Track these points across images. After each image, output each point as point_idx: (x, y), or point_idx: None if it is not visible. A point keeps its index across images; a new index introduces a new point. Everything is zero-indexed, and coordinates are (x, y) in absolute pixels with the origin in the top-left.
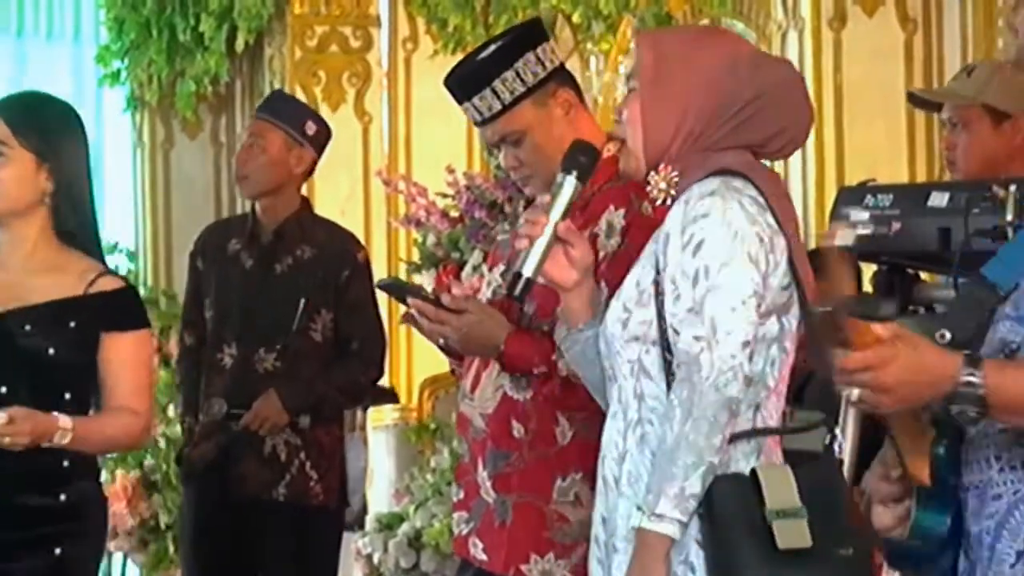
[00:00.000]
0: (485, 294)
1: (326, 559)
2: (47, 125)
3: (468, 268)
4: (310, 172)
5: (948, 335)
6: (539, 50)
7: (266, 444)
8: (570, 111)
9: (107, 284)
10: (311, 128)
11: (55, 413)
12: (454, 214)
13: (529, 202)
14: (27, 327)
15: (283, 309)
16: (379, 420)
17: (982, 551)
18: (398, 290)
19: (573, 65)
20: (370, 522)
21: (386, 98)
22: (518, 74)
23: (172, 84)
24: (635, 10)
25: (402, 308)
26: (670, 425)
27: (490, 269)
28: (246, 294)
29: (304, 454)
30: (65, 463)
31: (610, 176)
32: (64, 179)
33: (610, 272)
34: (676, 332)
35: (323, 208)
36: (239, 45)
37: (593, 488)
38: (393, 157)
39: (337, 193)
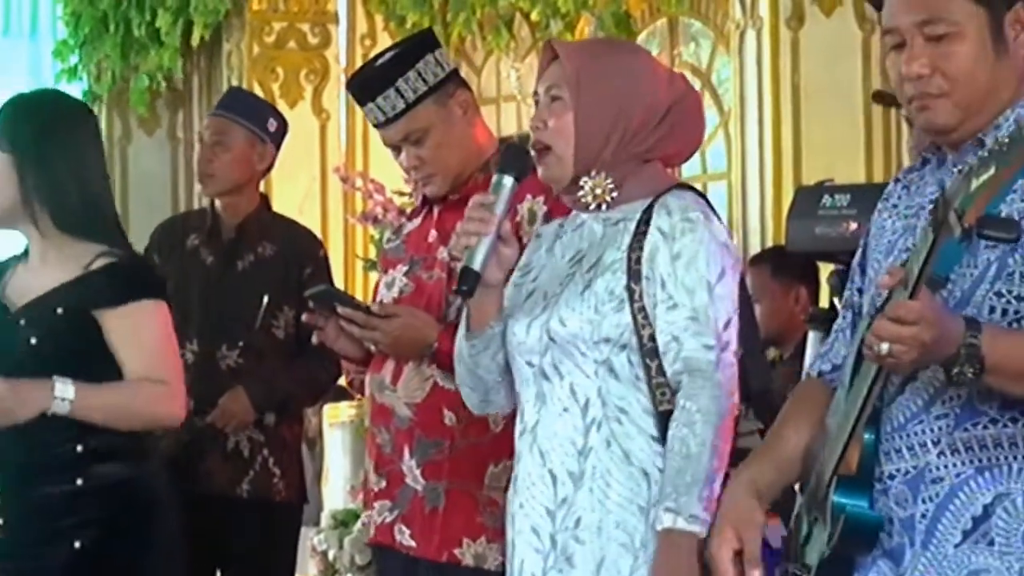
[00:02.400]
0: (387, 296)
1: (287, 555)
2: (18, 125)
3: None
4: (269, 169)
5: None
6: (436, 53)
7: (229, 440)
8: (468, 112)
9: (100, 263)
10: (272, 125)
11: (55, 377)
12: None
13: (401, 212)
14: (22, 321)
15: (245, 306)
16: (335, 417)
17: (915, 535)
18: (328, 299)
19: (531, 63)
20: (325, 519)
21: (343, 95)
22: (420, 74)
23: (128, 79)
24: (593, 9)
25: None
26: (691, 431)
27: (384, 272)
28: (207, 291)
29: (267, 450)
30: (79, 448)
31: None
32: (46, 176)
33: None
34: (676, 340)
35: (281, 205)
36: (195, 40)
37: None
38: (351, 154)
39: (295, 190)
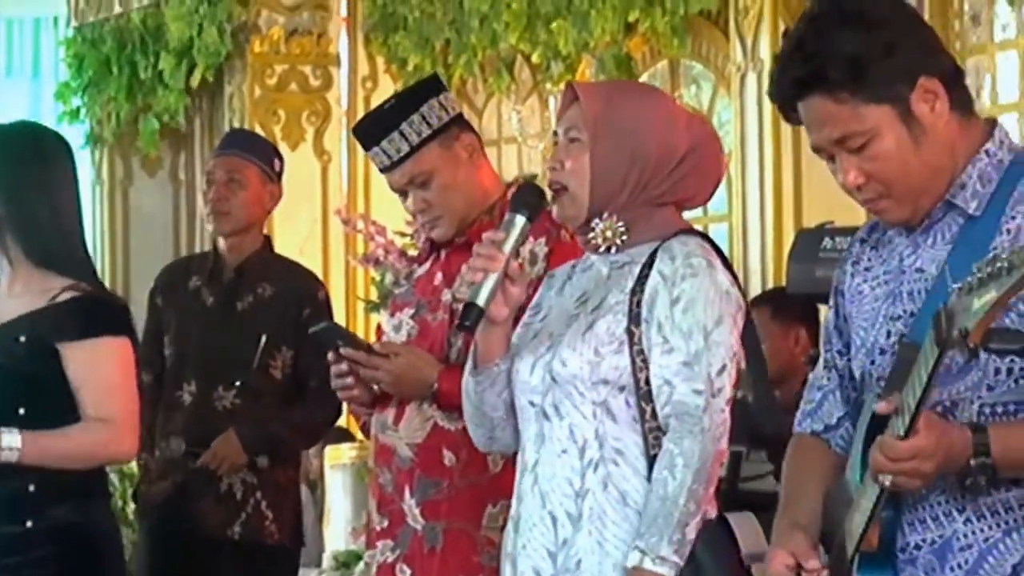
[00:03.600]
0: (395, 339)
1: None
2: None
3: None
4: (271, 210)
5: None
6: (441, 97)
7: (222, 482)
8: (473, 155)
9: (66, 296)
10: (277, 165)
11: (0, 429)
12: (413, 253)
13: (407, 256)
14: None
15: (243, 346)
16: (336, 459)
17: None
18: (331, 336)
19: (533, 105)
20: (327, 560)
21: (345, 137)
22: (424, 117)
23: (132, 121)
24: (594, 51)
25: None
26: (670, 473)
27: (392, 315)
28: (206, 331)
29: (260, 493)
30: (31, 487)
31: None
32: (19, 207)
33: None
34: (669, 384)
35: (282, 246)
36: (195, 81)
37: None
38: (352, 196)
39: (296, 231)
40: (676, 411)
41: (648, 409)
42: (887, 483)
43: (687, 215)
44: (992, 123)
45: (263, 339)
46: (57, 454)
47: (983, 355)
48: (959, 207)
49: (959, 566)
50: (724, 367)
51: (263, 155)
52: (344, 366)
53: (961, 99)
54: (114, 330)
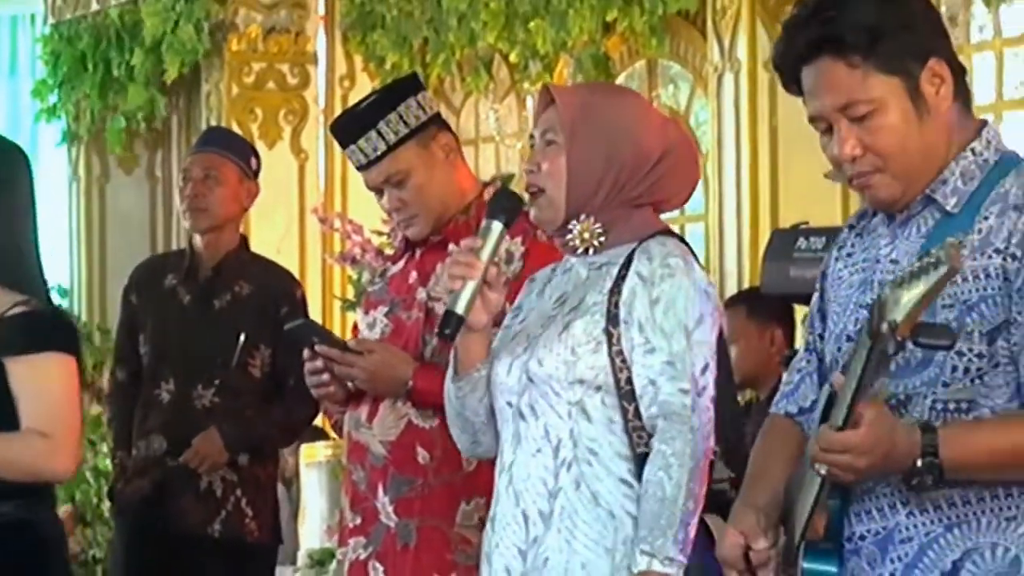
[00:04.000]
0: (370, 336)
1: None
2: None
3: None
4: (248, 208)
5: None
6: (419, 97)
7: (202, 480)
8: (450, 155)
9: (15, 312)
10: (254, 163)
11: None
12: (389, 251)
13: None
14: None
15: (222, 345)
16: (311, 457)
17: None
18: (306, 333)
19: (510, 104)
20: (302, 558)
21: (322, 135)
22: (401, 117)
23: (106, 119)
24: (572, 50)
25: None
26: (666, 474)
27: (366, 313)
28: (184, 330)
29: (240, 490)
30: None
31: None
32: None
33: (513, 296)
34: (653, 384)
35: (259, 245)
36: (169, 77)
37: None
38: (329, 194)
39: (273, 230)
40: (663, 411)
41: (630, 409)
42: (822, 472)
43: (665, 217)
44: (984, 122)
45: (242, 338)
46: None
47: (941, 353)
48: (938, 202)
49: (899, 558)
50: (707, 365)
51: (240, 152)
52: (319, 363)
53: (963, 91)
54: (59, 347)
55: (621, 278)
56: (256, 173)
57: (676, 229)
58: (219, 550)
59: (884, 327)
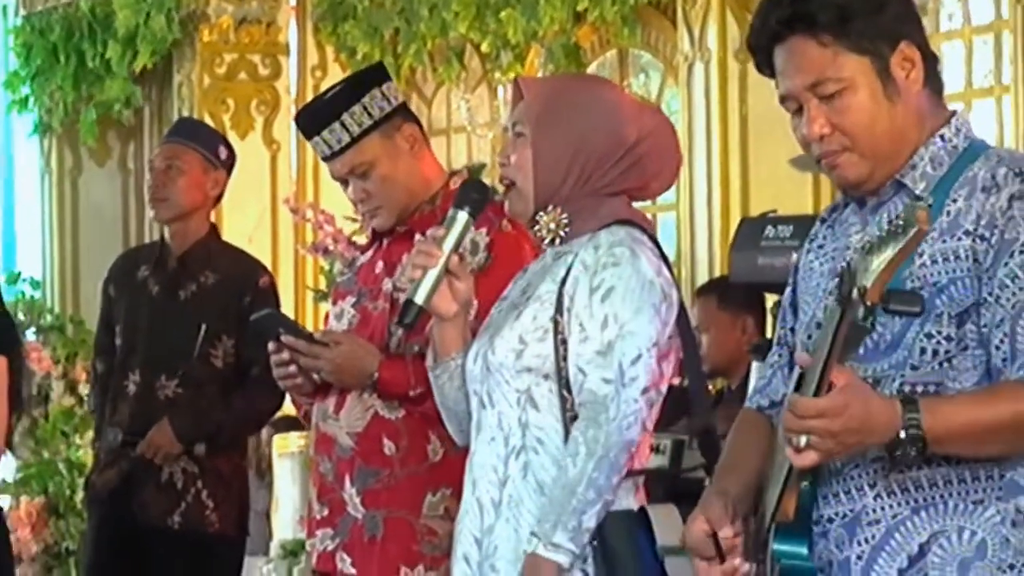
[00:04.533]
0: (337, 327)
1: None
2: None
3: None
4: (219, 198)
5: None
6: (384, 87)
7: (163, 472)
8: (415, 145)
9: None
10: (223, 152)
11: None
12: (362, 240)
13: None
14: None
15: (185, 335)
16: (284, 448)
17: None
18: (272, 324)
19: (482, 94)
20: (274, 549)
21: (294, 126)
22: (365, 108)
23: (79, 110)
24: (543, 40)
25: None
26: (572, 460)
27: (334, 303)
28: (152, 321)
29: (201, 482)
30: None
31: None
32: None
33: (480, 286)
34: (582, 372)
35: (231, 236)
36: (138, 66)
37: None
38: (301, 185)
39: (245, 221)
40: (585, 399)
41: (569, 398)
42: (801, 443)
43: (636, 207)
44: (953, 112)
45: (203, 328)
46: None
47: (909, 333)
48: (907, 187)
49: (866, 540)
50: (639, 356)
51: (205, 142)
52: (285, 355)
53: (934, 78)
54: None
55: (571, 267)
56: (227, 162)
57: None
58: (180, 542)
59: (854, 293)
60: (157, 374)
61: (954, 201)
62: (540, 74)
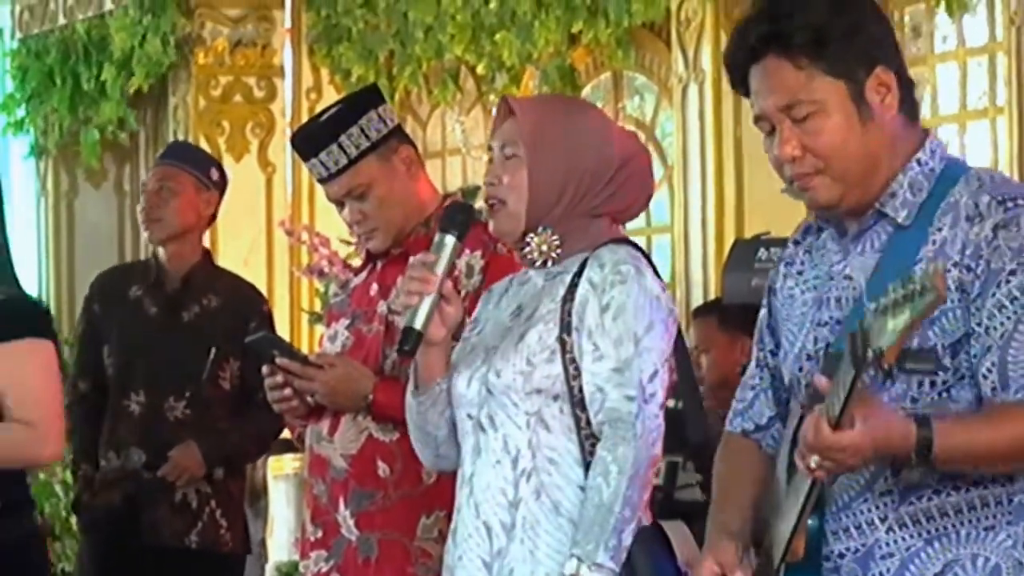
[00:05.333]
0: (331, 349)
1: None
2: None
3: None
4: (212, 219)
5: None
6: (380, 110)
7: (177, 492)
8: (411, 167)
9: None
10: (215, 174)
11: None
12: (356, 263)
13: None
14: None
15: (191, 357)
16: (279, 469)
17: None
18: (267, 347)
19: (477, 116)
20: (270, 571)
21: (290, 148)
22: (362, 130)
23: (76, 132)
24: (538, 62)
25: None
26: (604, 480)
27: (328, 325)
28: (152, 341)
29: (214, 502)
30: None
31: None
32: None
33: (473, 309)
34: (601, 391)
35: (226, 257)
36: (132, 89)
37: None
38: (296, 207)
39: (240, 243)
40: (609, 418)
41: (583, 417)
42: (812, 465)
43: (630, 225)
44: (926, 133)
45: (213, 351)
46: None
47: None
48: (889, 216)
49: (880, 574)
50: (656, 372)
51: (198, 164)
52: (279, 378)
53: (909, 103)
54: (35, 332)
55: (574, 286)
56: (219, 184)
57: (643, 240)
58: (194, 561)
59: (869, 355)
60: (164, 395)
61: (939, 230)
62: (537, 95)
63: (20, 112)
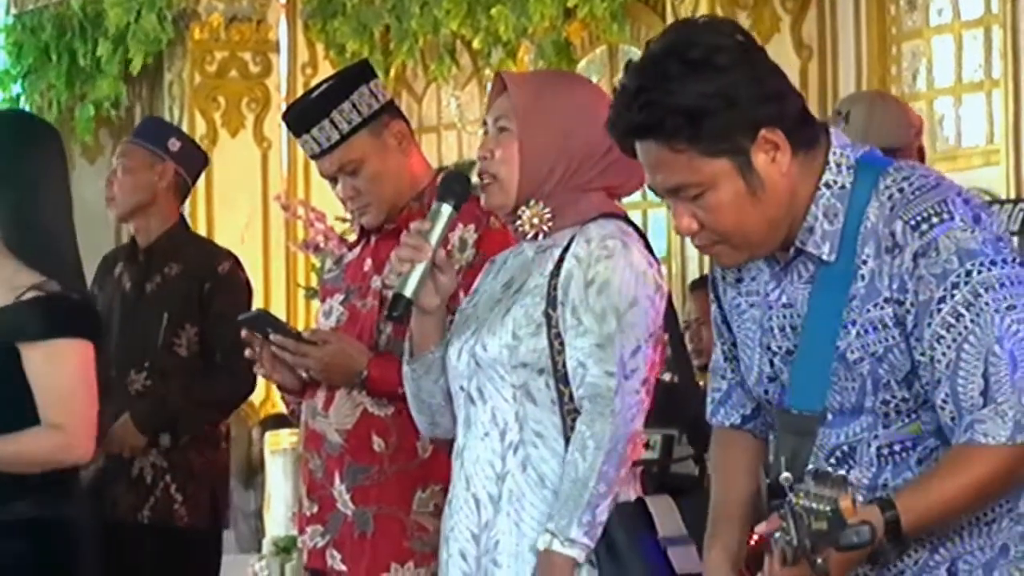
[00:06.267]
0: (326, 324)
1: None
2: None
3: None
4: (183, 192)
5: None
6: (371, 85)
7: (134, 467)
8: (403, 142)
9: (30, 295)
10: (174, 144)
11: None
12: (352, 239)
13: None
14: None
15: (150, 328)
16: (276, 444)
17: None
18: (260, 324)
19: (472, 91)
20: (266, 545)
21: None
22: (354, 105)
23: (71, 109)
24: (533, 36)
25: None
26: (581, 455)
27: (323, 300)
28: (123, 315)
29: (169, 476)
30: None
31: None
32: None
33: (467, 282)
34: (583, 366)
35: (222, 233)
36: (134, 68)
37: None
38: (292, 182)
39: (236, 218)
40: (589, 393)
41: (567, 392)
42: None
43: (627, 202)
44: (827, 144)
45: (165, 317)
46: (5, 460)
47: (867, 403)
48: (812, 253)
49: None
50: (638, 348)
51: (152, 137)
52: (266, 360)
53: (805, 138)
54: (75, 332)
55: (561, 260)
56: (179, 153)
57: (638, 214)
58: (149, 536)
59: (807, 546)
60: (127, 368)
61: (864, 262)
62: (531, 70)
63: (16, 88)
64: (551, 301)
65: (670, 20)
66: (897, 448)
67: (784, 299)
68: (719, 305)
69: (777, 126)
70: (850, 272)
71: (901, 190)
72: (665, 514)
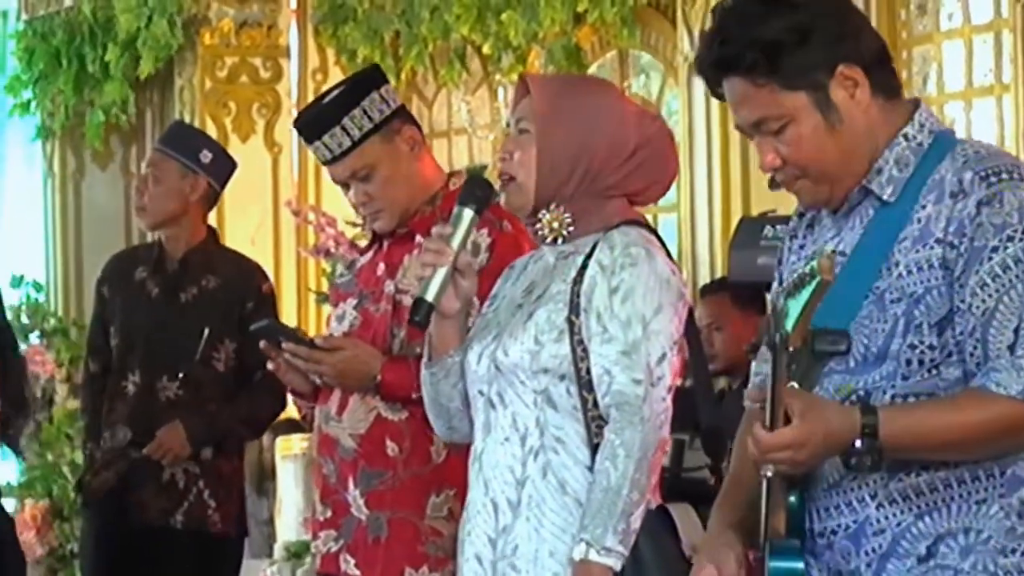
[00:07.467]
0: (338, 329)
1: None
2: None
3: None
4: (212, 201)
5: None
6: (382, 90)
7: (165, 472)
8: (414, 147)
9: None
10: (206, 156)
11: None
12: (363, 243)
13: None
14: None
15: (187, 338)
16: (287, 450)
17: None
18: (272, 333)
19: (483, 96)
20: (278, 551)
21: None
22: (365, 112)
23: (81, 114)
24: (544, 42)
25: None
26: (612, 464)
27: (335, 305)
28: (151, 322)
29: (203, 482)
30: None
31: None
32: None
33: (482, 286)
34: (609, 373)
35: (233, 238)
36: (143, 73)
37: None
38: (303, 187)
39: (247, 223)
40: (616, 401)
41: (590, 398)
42: (769, 473)
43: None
44: (915, 104)
45: (206, 332)
46: None
47: (893, 345)
48: (875, 192)
49: (873, 551)
50: (664, 355)
51: (185, 148)
52: (281, 363)
53: (885, 82)
54: None
55: (584, 267)
56: (211, 166)
57: (649, 218)
58: (182, 541)
59: (777, 338)
60: (158, 375)
61: (923, 207)
62: (556, 73)
63: (26, 94)
64: (574, 308)
65: (680, 24)
66: (911, 400)
67: (841, 246)
68: (780, 283)
69: (855, 63)
70: (906, 216)
71: (977, 152)
72: (688, 522)
